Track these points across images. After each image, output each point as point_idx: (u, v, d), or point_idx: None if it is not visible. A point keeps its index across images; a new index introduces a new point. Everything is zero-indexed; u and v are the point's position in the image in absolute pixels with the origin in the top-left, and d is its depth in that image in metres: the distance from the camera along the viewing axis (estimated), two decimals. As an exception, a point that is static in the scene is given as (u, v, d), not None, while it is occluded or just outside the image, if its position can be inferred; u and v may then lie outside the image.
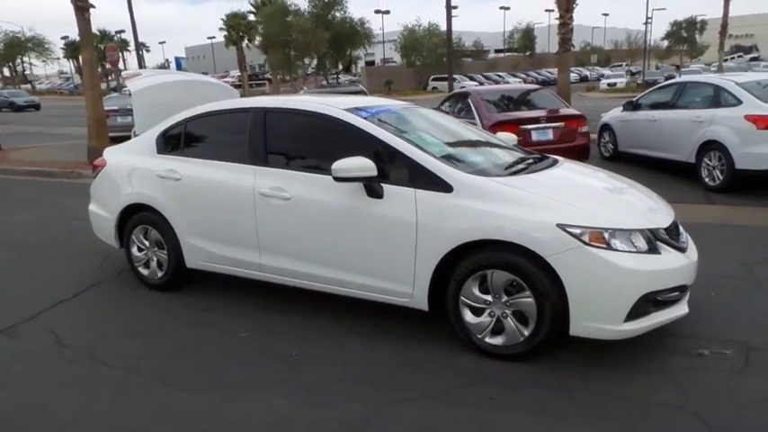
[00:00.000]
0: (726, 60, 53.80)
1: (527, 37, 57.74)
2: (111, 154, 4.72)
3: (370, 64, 64.70)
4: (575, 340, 3.00)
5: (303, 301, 4.03)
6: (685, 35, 51.66)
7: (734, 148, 6.87)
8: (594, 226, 2.86)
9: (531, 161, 3.77)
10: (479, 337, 3.16)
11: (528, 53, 59.01)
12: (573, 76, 47.40)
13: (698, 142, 7.46)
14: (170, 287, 4.42)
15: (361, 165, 3.21)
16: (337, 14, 16.65)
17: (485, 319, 3.14)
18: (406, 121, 3.90)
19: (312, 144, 3.78)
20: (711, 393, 2.73)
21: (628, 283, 2.81)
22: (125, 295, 4.43)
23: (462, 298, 3.16)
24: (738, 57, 52.39)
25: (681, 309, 3.06)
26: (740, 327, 3.42)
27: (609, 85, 38.00)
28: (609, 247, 2.82)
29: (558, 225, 2.85)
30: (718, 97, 7.40)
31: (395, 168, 3.31)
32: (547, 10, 54.98)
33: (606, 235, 2.84)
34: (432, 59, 40.91)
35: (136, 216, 4.43)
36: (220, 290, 4.39)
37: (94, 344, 3.56)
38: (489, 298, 3.11)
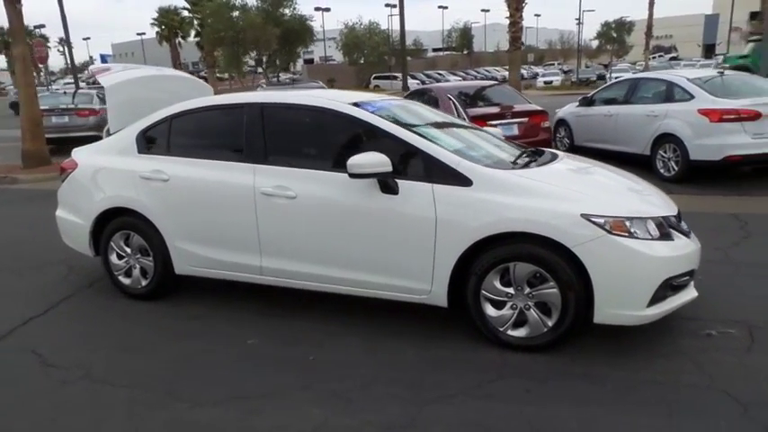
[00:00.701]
0: (652, 59, 57.26)
1: (465, 36, 58.93)
2: (82, 155, 4.36)
3: (308, 62, 63.98)
4: (588, 328, 3.05)
5: (297, 303, 3.90)
6: (615, 35, 54.64)
7: (688, 140, 7.27)
8: (616, 215, 2.91)
9: (533, 155, 3.80)
10: (501, 330, 3.16)
11: (466, 52, 60.26)
12: (508, 75, 49.03)
13: (653, 135, 7.84)
14: (155, 296, 4.15)
15: (378, 160, 3.12)
16: (286, 11, 16.28)
17: (507, 311, 3.14)
18: (407, 115, 3.84)
19: (316, 140, 3.65)
20: (730, 372, 2.85)
21: (650, 269, 2.88)
22: (104, 307, 4.11)
23: (483, 292, 3.14)
24: (659, 56, 55.82)
25: (691, 292, 3.18)
26: (736, 307, 3.60)
27: (545, 83, 39.47)
28: (630, 234, 2.89)
29: (583, 215, 2.89)
30: (670, 92, 7.80)
31: (408, 163, 3.25)
32: (483, 10, 56.63)
33: (627, 223, 2.90)
34: (374, 58, 41.00)
35: (115, 221, 4.12)
36: (207, 296, 4.16)
37: (86, 361, 3.27)
38: (511, 290, 3.11)
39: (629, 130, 8.36)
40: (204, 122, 3.93)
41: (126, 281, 4.20)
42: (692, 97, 7.41)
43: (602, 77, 41.61)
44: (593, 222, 2.87)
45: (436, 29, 62.37)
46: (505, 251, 3.05)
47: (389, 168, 3.15)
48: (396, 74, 33.55)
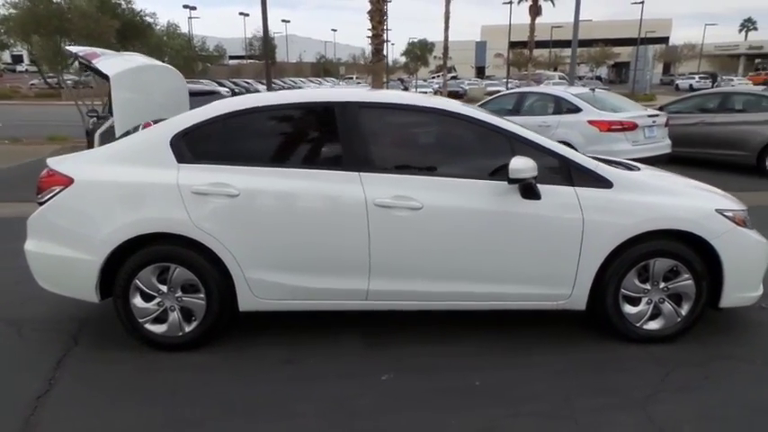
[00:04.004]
0: (433, 78, 63.99)
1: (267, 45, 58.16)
2: (77, 167, 3.20)
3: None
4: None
5: (387, 327, 3.51)
6: (419, 53, 59.77)
7: (581, 147, 8.31)
8: (736, 208, 3.28)
9: (611, 162, 3.96)
10: (638, 325, 3.28)
11: (269, 61, 59.52)
12: (313, 86, 50.01)
13: (546, 143, 8.85)
14: (197, 345, 3.27)
15: (532, 164, 2.99)
16: (120, 1, 13.79)
17: (643, 307, 3.27)
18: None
19: (437, 144, 3.32)
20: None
21: (764, 254, 3.31)
22: (135, 368, 3.09)
23: (623, 290, 3.23)
24: (442, 75, 62.83)
25: None
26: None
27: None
28: (746, 225, 3.28)
29: (717, 210, 3.19)
30: (559, 105, 8.92)
31: (545, 167, 3.16)
32: (283, 20, 56.73)
33: (742, 215, 3.29)
34: (179, 61, 37.77)
35: (141, 252, 3.13)
36: (265, 335, 3.44)
37: (207, 439, 2.44)
38: (648, 286, 3.25)
39: (522, 138, 9.28)
40: (277, 124, 3.25)
41: (158, 328, 3.22)
42: (580, 110, 8.58)
43: (406, 90, 45.38)
44: (726, 216, 3.19)
45: (237, 36, 60.29)
46: (646, 248, 3.18)
47: (536, 173, 3.03)
48: (202, 80, 31.55)
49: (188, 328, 3.23)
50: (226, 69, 53.31)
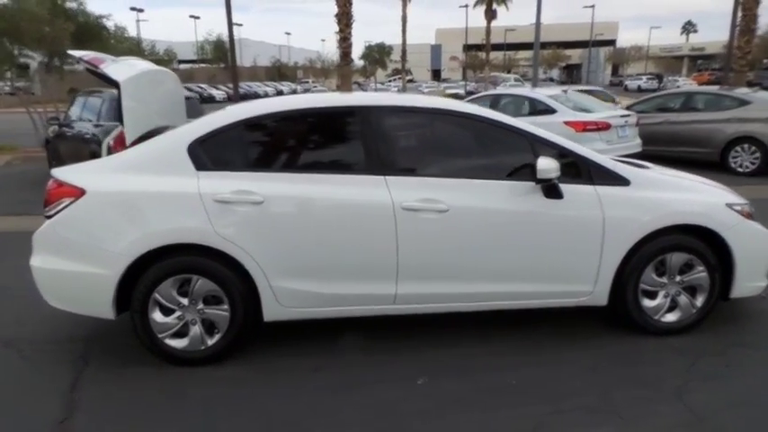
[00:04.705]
0: (390, 81, 64.38)
1: (220, 49, 57.02)
2: (89, 176, 3.04)
3: (25, 67, 53.70)
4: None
5: (406, 331, 3.51)
6: (378, 57, 60.04)
7: (557, 146, 8.61)
8: (742, 202, 3.44)
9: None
10: (656, 318, 3.38)
11: (222, 65, 58.31)
12: (270, 91, 49.41)
13: (523, 143, 9.04)
14: (218, 358, 3.16)
15: (557, 165, 3.04)
16: (72, 5, 13.00)
17: (660, 300, 3.38)
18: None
19: (459, 147, 3.31)
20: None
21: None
22: (158, 385, 2.96)
23: (642, 285, 3.32)
24: (399, 78, 63.29)
25: None
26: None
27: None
28: (752, 217, 3.44)
29: (727, 204, 3.33)
30: (534, 107, 9.13)
31: (565, 167, 3.22)
32: (236, 23, 55.79)
33: (748, 208, 3.45)
34: (131, 67, 36.56)
35: (160, 265, 3.00)
36: (284, 345, 3.37)
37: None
38: (664, 280, 3.36)
39: (499, 139, 9.45)
40: (300, 129, 3.18)
41: (178, 343, 3.10)
42: (555, 111, 8.80)
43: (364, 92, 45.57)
44: (735, 210, 3.34)
45: (187, 39, 58.77)
46: (663, 243, 3.28)
47: (560, 173, 3.09)
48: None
49: (210, 342, 3.12)
50: (177, 74, 51.87)
